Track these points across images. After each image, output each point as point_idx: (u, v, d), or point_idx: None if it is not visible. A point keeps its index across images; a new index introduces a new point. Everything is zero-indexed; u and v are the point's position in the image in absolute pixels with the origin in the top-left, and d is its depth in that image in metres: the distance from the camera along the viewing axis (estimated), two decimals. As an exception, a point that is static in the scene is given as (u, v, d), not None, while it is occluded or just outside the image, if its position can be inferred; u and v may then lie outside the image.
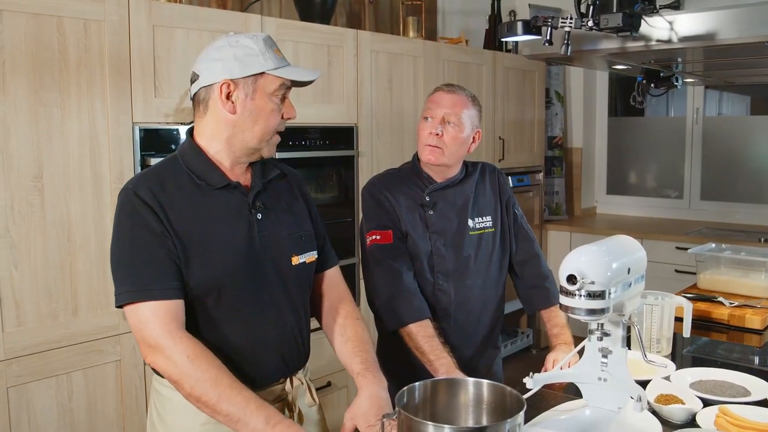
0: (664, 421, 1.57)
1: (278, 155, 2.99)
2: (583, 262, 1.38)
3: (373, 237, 1.94)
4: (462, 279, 1.99)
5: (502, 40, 1.50)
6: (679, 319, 2.06)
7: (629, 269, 1.44)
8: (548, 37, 1.34)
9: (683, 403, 1.61)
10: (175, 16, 2.64)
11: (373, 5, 4.25)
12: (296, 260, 1.56)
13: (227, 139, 1.47)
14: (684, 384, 1.74)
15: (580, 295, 1.37)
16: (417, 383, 1.25)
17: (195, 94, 1.49)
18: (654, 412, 1.58)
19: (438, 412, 1.26)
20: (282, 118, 1.49)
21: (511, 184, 4.41)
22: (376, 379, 1.52)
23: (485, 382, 1.28)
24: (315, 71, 1.55)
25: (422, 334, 1.81)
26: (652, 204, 5.08)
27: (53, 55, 2.32)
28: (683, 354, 2.13)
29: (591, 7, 1.39)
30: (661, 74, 1.90)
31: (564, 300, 1.39)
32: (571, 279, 1.35)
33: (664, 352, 2.04)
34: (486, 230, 2.04)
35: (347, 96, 3.35)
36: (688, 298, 2.47)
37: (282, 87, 1.47)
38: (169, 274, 1.39)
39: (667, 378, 1.76)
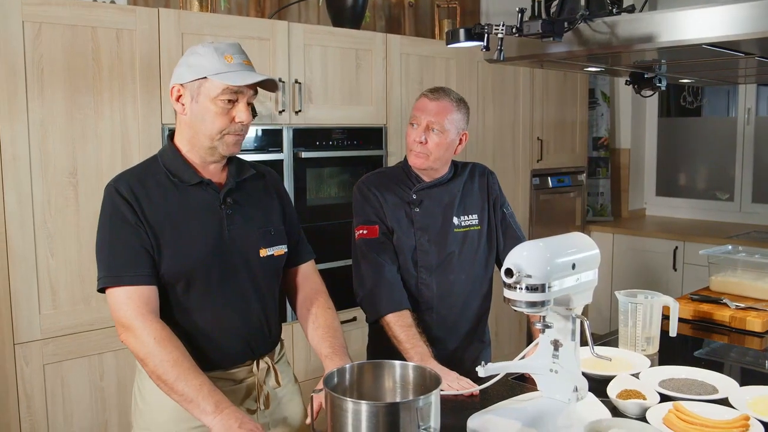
0: (622, 415, 1.62)
1: (304, 154, 3.16)
2: (524, 256, 1.45)
3: (361, 231, 2.04)
4: (445, 274, 2.07)
5: (448, 46, 1.57)
6: (682, 320, 2.07)
7: (574, 265, 1.49)
8: (486, 44, 1.41)
9: (644, 399, 1.65)
10: (203, 24, 2.82)
11: (413, 9, 4.35)
12: (264, 252, 1.68)
13: (190, 140, 1.62)
14: (652, 381, 1.77)
15: (521, 288, 1.44)
16: (347, 365, 1.36)
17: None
18: (614, 407, 1.62)
19: (366, 391, 1.36)
20: (233, 121, 1.57)
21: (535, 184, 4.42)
22: (342, 362, 1.63)
23: (410, 364, 1.37)
24: (259, 75, 1.58)
25: (400, 324, 1.90)
26: (702, 206, 4.96)
27: (87, 63, 2.54)
28: (678, 353, 2.14)
29: (544, 9, 1.45)
30: (645, 75, 1.92)
31: (506, 293, 1.46)
32: (509, 272, 1.42)
33: (649, 351, 2.06)
34: (472, 228, 2.11)
35: (376, 98, 3.46)
36: (693, 299, 2.49)
37: (227, 91, 1.54)
38: (141, 262, 1.54)
39: (636, 375, 1.79)
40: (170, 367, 1.46)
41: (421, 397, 1.22)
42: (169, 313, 1.60)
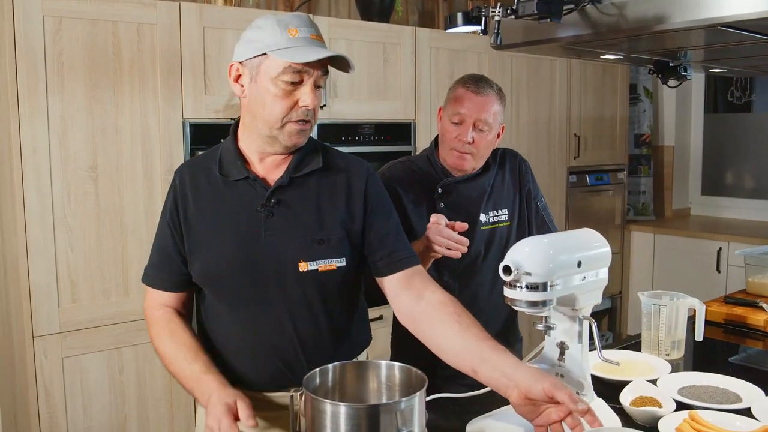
0: (634, 423, 1.52)
1: (329, 150, 3.11)
2: (526, 253, 1.37)
3: None
4: (470, 276, 1.92)
5: (447, 32, 1.48)
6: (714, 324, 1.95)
7: (580, 263, 1.40)
8: (483, 27, 1.33)
9: (659, 406, 1.55)
10: (225, 18, 2.81)
11: (447, 2, 4.27)
12: (304, 267, 1.43)
13: (248, 126, 1.44)
14: (671, 388, 1.66)
15: (521, 287, 1.36)
16: (330, 365, 1.30)
17: None
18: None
19: (349, 393, 1.30)
20: (296, 105, 1.37)
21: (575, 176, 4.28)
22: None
23: (396, 364, 1.30)
24: (326, 51, 1.36)
25: None
26: (750, 206, 4.74)
27: (108, 57, 2.54)
28: (706, 359, 2.02)
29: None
30: (671, 64, 1.81)
31: (506, 291, 1.38)
32: (506, 269, 1.34)
33: (674, 356, 1.95)
34: (500, 224, 1.97)
35: (404, 93, 3.40)
36: (728, 302, 2.35)
37: (289, 70, 1.33)
38: (168, 266, 1.49)
39: (654, 381, 1.69)
40: (168, 363, 1.44)
41: (404, 399, 1.16)
42: (205, 316, 1.54)
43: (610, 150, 4.47)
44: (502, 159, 2.04)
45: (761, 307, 2.28)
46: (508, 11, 1.25)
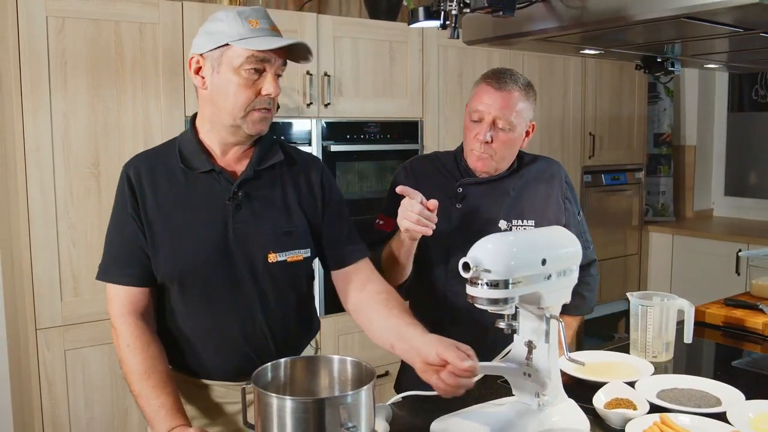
0: (606, 426, 1.50)
1: (333, 147, 3.12)
2: (488, 249, 1.35)
3: (378, 221, 1.86)
4: None
5: (410, 27, 1.47)
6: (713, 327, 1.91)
7: (544, 260, 1.38)
8: (443, 22, 1.32)
9: (635, 409, 1.52)
10: (228, 17, 2.83)
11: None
12: (273, 258, 1.47)
13: (209, 118, 1.46)
14: (649, 390, 1.62)
15: (483, 284, 1.34)
16: (282, 360, 1.30)
17: None
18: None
19: (303, 387, 1.31)
20: (260, 93, 1.40)
21: (604, 182, 4.23)
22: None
23: (348, 359, 1.30)
24: (288, 39, 1.41)
25: None
26: (775, 207, 4.62)
27: (110, 56, 2.59)
28: (696, 362, 1.98)
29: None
30: (658, 59, 1.77)
31: (468, 289, 1.37)
32: (466, 266, 1.33)
33: (662, 358, 1.91)
34: None
35: (411, 91, 3.39)
36: (728, 305, 2.30)
37: (252, 59, 1.37)
38: (130, 261, 1.45)
39: (632, 384, 1.65)
40: (136, 381, 1.40)
41: (350, 393, 1.16)
42: (165, 315, 1.51)
43: (627, 149, 4.39)
44: (542, 169, 1.91)
45: (761, 310, 2.22)
46: (461, 5, 1.24)
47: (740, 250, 4.01)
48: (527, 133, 1.84)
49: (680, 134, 4.83)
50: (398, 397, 1.63)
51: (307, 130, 3.08)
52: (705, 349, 2.14)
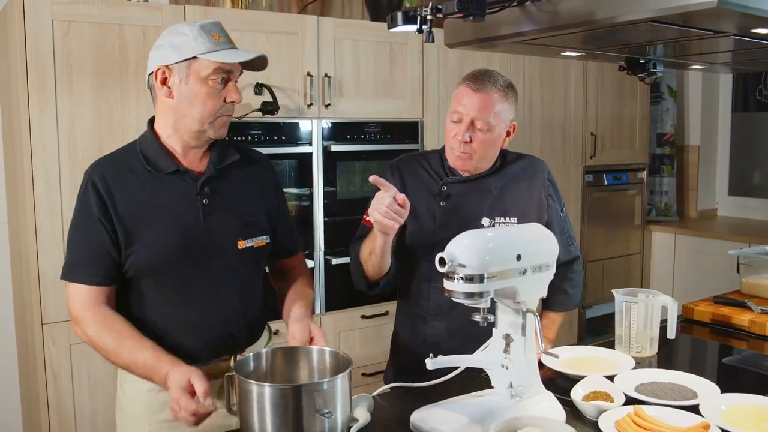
0: (583, 417, 1.54)
1: (336, 147, 3.18)
2: (464, 245, 1.40)
3: (365, 217, 1.90)
4: None
5: (390, 31, 1.52)
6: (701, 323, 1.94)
7: (519, 256, 1.43)
8: (419, 26, 1.37)
9: (612, 401, 1.56)
10: (229, 19, 2.89)
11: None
12: (242, 244, 1.62)
13: (173, 125, 1.57)
14: (628, 383, 1.67)
15: (459, 279, 1.39)
16: (263, 350, 1.36)
17: (148, 83, 1.60)
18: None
19: (283, 376, 1.36)
20: (225, 101, 1.54)
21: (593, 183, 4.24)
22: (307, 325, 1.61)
23: (327, 349, 1.36)
24: (251, 52, 1.55)
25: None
26: (779, 207, 4.62)
27: (114, 59, 2.66)
28: (682, 358, 2.02)
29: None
30: (641, 61, 1.81)
31: (445, 283, 1.42)
32: (441, 261, 1.38)
33: (646, 354, 1.94)
34: None
35: (411, 92, 3.44)
36: (717, 302, 2.33)
37: (219, 71, 1.51)
38: (97, 262, 1.54)
39: (612, 377, 1.69)
40: (114, 355, 1.50)
41: (325, 380, 1.22)
42: (134, 306, 1.59)
43: (629, 149, 4.42)
44: (524, 168, 1.96)
45: (749, 307, 2.25)
46: (434, 10, 1.30)
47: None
48: (508, 133, 1.88)
49: (683, 134, 4.84)
50: (385, 388, 1.69)
51: (308, 130, 3.14)
52: (690, 345, 2.18)
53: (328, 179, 3.23)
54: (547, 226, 1.81)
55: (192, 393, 1.39)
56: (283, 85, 3.04)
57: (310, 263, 3.17)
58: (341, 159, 3.26)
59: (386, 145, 3.38)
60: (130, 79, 2.69)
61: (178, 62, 1.52)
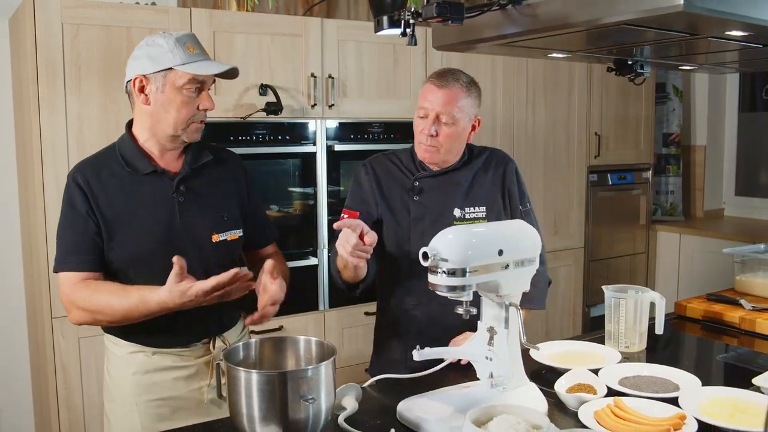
0: (566, 408, 1.59)
1: (339, 146, 3.24)
2: (447, 240, 1.45)
3: (342, 215, 1.98)
4: None
5: (376, 34, 1.57)
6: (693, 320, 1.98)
7: (501, 251, 1.48)
8: (403, 30, 1.42)
9: (595, 393, 1.61)
10: (235, 22, 2.97)
11: (470, 2, 4.32)
12: (216, 238, 1.75)
13: (150, 128, 1.70)
14: (612, 377, 1.71)
15: (442, 272, 1.44)
16: (252, 340, 1.42)
17: (126, 89, 1.74)
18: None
19: (271, 364, 1.42)
20: (198, 109, 1.67)
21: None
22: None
23: (313, 339, 1.42)
24: (224, 64, 1.68)
25: None
26: (786, 207, 4.62)
27: (122, 60, 2.69)
28: (670, 352, 2.05)
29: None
30: (629, 62, 1.85)
31: (430, 277, 1.47)
32: (425, 255, 1.43)
33: (635, 349, 1.98)
34: (476, 221, 1.98)
35: (414, 92, 3.48)
36: (710, 299, 2.36)
37: (193, 81, 1.64)
38: (85, 249, 1.65)
39: (596, 371, 1.74)
40: (109, 311, 1.61)
41: (310, 367, 1.28)
42: None
43: (634, 149, 4.44)
44: (488, 159, 2.05)
45: (740, 304, 2.28)
46: (415, 15, 1.35)
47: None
48: (473, 127, 1.97)
49: (690, 134, 4.85)
50: (372, 380, 1.74)
51: (312, 130, 3.20)
52: (680, 341, 2.21)
53: (332, 178, 3.29)
54: (507, 215, 1.98)
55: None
56: (287, 85, 3.10)
57: (314, 261, 3.24)
58: (345, 158, 3.32)
59: (389, 145, 3.42)
60: (137, 80, 2.75)
61: (154, 72, 1.65)
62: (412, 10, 1.38)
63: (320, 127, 3.22)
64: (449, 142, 1.92)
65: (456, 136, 1.93)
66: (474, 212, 1.98)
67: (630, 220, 4.44)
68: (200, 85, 1.66)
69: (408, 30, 1.41)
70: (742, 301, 2.28)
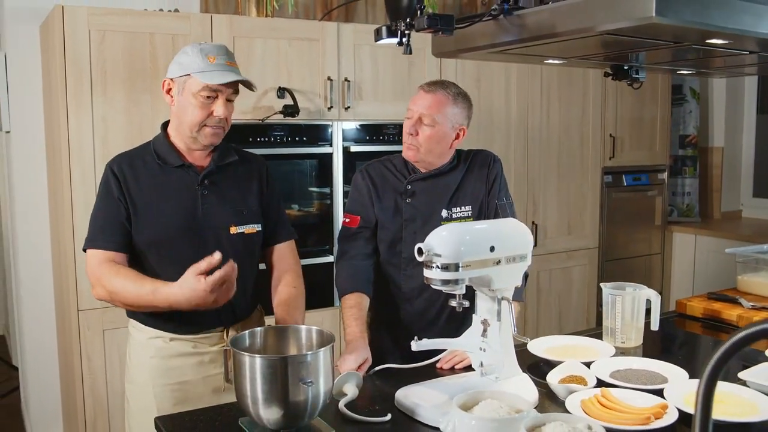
0: (556, 398, 1.66)
1: (355, 147, 3.34)
2: (442, 236, 1.54)
3: (344, 219, 2.15)
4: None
5: (376, 43, 1.66)
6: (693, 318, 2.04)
7: (493, 247, 1.56)
8: (399, 39, 1.51)
9: (585, 384, 1.68)
10: (254, 27, 3.08)
11: (486, 7, 4.40)
12: (234, 230, 1.88)
13: (176, 128, 1.86)
14: (603, 369, 1.78)
15: (437, 267, 1.53)
16: (258, 329, 1.53)
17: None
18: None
19: (275, 351, 1.53)
20: (211, 114, 1.79)
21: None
22: None
23: (314, 328, 1.52)
24: (235, 76, 1.78)
25: (344, 305, 2.01)
26: (803, 209, 4.62)
27: (145, 65, 2.86)
28: (666, 348, 2.11)
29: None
30: (625, 67, 1.91)
31: (425, 272, 1.56)
32: (419, 251, 1.52)
33: (630, 344, 2.05)
34: (462, 219, 2.09)
35: (429, 95, 3.56)
36: (711, 298, 2.41)
37: (206, 89, 1.76)
38: (114, 231, 1.79)
39: (588, 364, 1.81)
40: (130, 294, 1.71)
41: (309, 353, 1.38)
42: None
43: (649, 151, 4.47)
44: (474, 160, 2.16)
45: (740, 303, 2.33)
46: (408, 25, 1.44)
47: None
48: (457, 136, 2.07)
49: (707, 136, 4.87)
50: (373, 370, 1.84)
51: (328, 132, 3.31)
52: (676, 337, 2.27)
53: (348, 179, 3.39)
54: (494, 211, 2.08)
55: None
56: (304, 88, 3.21)
57: (330, 258, 3.34)
58: (360, 159, 3.41)
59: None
60: (159, 83, 2.85)
61: (178, 77, 1.80)
62: (407, 21, 1.47)
63: (336, 129, 3.32)
64: (428, 143, 2.02)
65: (435, 138, 2.03)
66: (460, 211, 2.10)
67: (645, 221, 4.48)
68: (214, 93, 1.78)
69: (404, 39, 1.50)
70: (742, 300, 2.34)
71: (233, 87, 1.81)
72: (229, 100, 1.82)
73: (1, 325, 5.30)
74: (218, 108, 1.79)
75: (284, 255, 2.00)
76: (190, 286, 1.62)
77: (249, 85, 1.85)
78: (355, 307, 1.97)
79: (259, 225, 1.93)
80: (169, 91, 1.83)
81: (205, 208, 1.85)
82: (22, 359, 3.54)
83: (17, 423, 3.77)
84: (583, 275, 4.25)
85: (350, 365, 1.78)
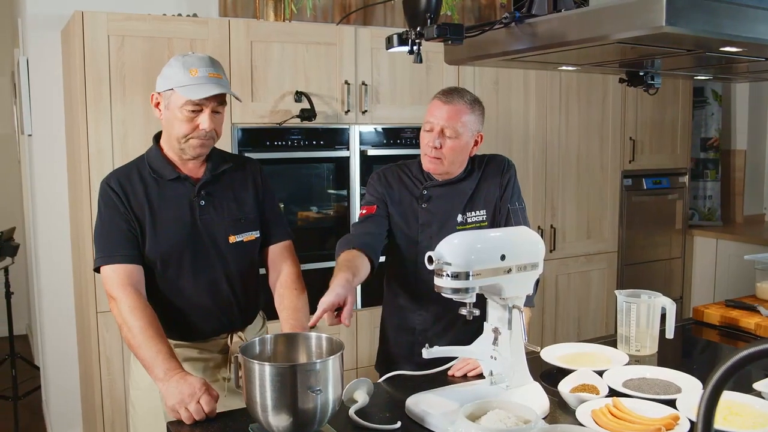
0: (568, 408, 1.66)
1: (372, 151, 3.36)
2: (452, 244, 1.54)
3: (361, 210, 2.14)
4: None
5: (388, 51, 1.66)
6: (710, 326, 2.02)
7: (503, 256, 1.56)
8: (410, 48, 1.51)
9: (597, 393, 1.67)
10: (271, 32, 3.10)
11: (506, 9, 4.38)
12: (233, 239, 1.89)
13: (167, 140, 1.86)
14: (616, 378, 1.77)
15: (447, 275, 1.53)
16: (267, 336, 1.54)
17: None
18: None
19: (284, 358, 1.53)
20: (197, 128, 1.77)
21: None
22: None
23: (324, 336, 1.52)
24: (216, 89, 1.75)
25: (341, 258, 1.94)
26: (828, 213, 4.54)
27: (164, 69, 2.89)
28: (680, 356, 2.09)
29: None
30: (640, 73, 1.90)
31: (435, 280, 1.56)
32: (429, 259, 1.52)
33: (646, 352, 2.03)
34: (478, 224, 2.09)
35: (446, 98, 3.56)
36: (729, 306, 2.39)
37: (189, 103, 1.74)
38: (128, 244, 1.80)
39: (600, 372, 1.80)
40: (137, 333, 1.70)
41: (318, 361, 1.39)
42: (153, 290, 1.84)
43: (670, 154, 4.42)
44: (488, 164, 2.14)
45: (758, 311, 2.29)
46: (418, 35, 1.44)
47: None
48: (476, 142, 2.07)
49: (730, 139, 4.81)
50: (385, 377, 1.84)
51: (345, 135, 3.31)
52: (692, 346, 2.24)
53: (365, 182, 3.38)
54: (506, 215, 2.07)
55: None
56: (321, 92, 3.22)
57: (346, 261, 3.34)
58: (378, 162, 3.41)
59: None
60: (178, 88, 2.91)
61: (164, 91, 1.80)
62: (417, 30, 1.47)
63: (353, 133, 3.33)
64: (452, 154, 2.02)
65: (459, 149, 2.02)
66: (475, 216, 2.09)
67: (666, 224, 4.44)
68: (198, 106, 1.76)
69: (414, 48, 1.50)
70: (760, 308, 2.30)
71: (218, 99, 1.79)
72: (216, 112, 1.80)
73: (24, 325, 5.38)
74: (203, 121, 1.77)
75: (282, 255, 1.99)
76: (181, 390, 1.58)
77: (236, 97, 1.89)
78: (342, 262, 1.89)
79: (257, 231, 1.94)
80: (157, 104, 1.82)
81: (203, 220, 1.86)
82: (44, 359, 3.59)
83: (38, 421, 3.84)
84: (602, 279, 4.22)
85: (322, 307, 1.67)
